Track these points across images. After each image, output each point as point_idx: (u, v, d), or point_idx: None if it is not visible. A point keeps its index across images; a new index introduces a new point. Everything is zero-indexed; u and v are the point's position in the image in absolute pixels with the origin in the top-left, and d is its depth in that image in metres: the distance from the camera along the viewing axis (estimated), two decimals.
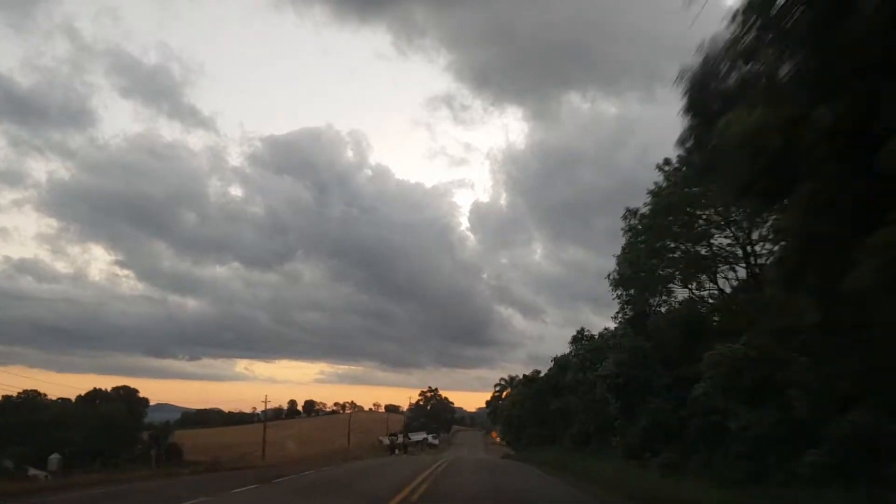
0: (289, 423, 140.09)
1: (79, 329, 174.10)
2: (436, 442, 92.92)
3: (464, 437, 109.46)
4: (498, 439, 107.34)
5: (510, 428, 68.38)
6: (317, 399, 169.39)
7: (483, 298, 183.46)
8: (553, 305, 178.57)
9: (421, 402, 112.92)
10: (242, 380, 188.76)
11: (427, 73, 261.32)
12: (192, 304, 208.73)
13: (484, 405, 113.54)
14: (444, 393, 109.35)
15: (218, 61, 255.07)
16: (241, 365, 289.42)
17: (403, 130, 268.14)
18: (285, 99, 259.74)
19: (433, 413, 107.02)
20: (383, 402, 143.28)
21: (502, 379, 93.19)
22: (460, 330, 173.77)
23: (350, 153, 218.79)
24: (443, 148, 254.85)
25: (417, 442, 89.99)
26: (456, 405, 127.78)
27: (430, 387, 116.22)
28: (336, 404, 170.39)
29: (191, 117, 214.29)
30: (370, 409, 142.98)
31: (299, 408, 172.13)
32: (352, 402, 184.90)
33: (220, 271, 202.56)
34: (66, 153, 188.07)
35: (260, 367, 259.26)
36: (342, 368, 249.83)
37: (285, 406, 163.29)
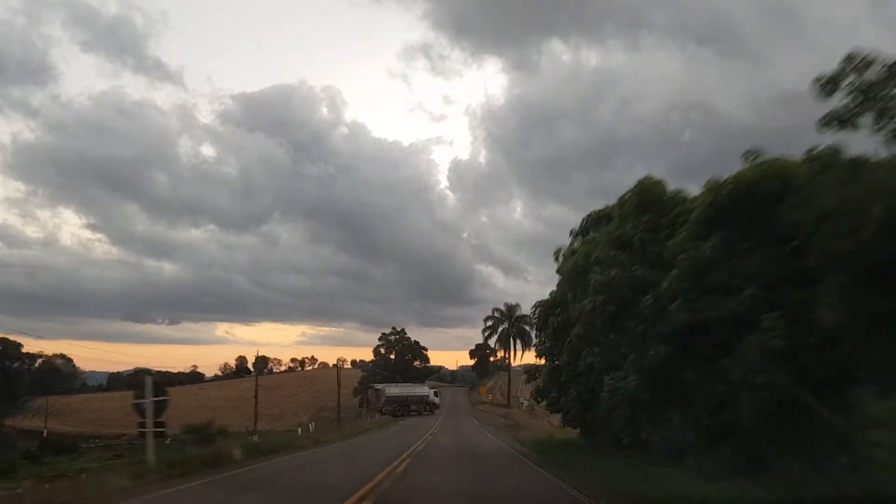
0: (228, 384, 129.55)
1: (54, 295, 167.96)
2: (436, 400, 71.78)
3: (443, 396, 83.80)
4: (489, 396, 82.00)
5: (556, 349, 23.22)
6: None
7: (463, 258, 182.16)
8: (534, 264, 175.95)
9: (382, 350, 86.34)
10: (223, 343, 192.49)
11: (403, 21, 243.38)
12: (168, 268, 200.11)
13: (469, 360, 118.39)
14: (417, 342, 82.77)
15: (182, 10, 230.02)
16: (222, 328, 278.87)
17: (379, 84, 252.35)
18: (255, 53, 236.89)
19: (399, 364, 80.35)
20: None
21: (495, 310, 67.92)
22: (441, 290, 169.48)
23: (325, 110, 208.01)
24: (420, 104, 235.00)
25: (408, 399, 68.74)
26: (438, 364, 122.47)
27: (393, 327, 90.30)
28: (293, 360, 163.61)
29: (157, 70, 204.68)
30: (334, 366, 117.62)
31: (250, 366, 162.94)
32: (311, 356, 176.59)
33: (196, 234, 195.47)
34: (28, 111, 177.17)
35: (241, 330, 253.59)
36: (324, 330, 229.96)
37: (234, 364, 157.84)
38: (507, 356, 70.49)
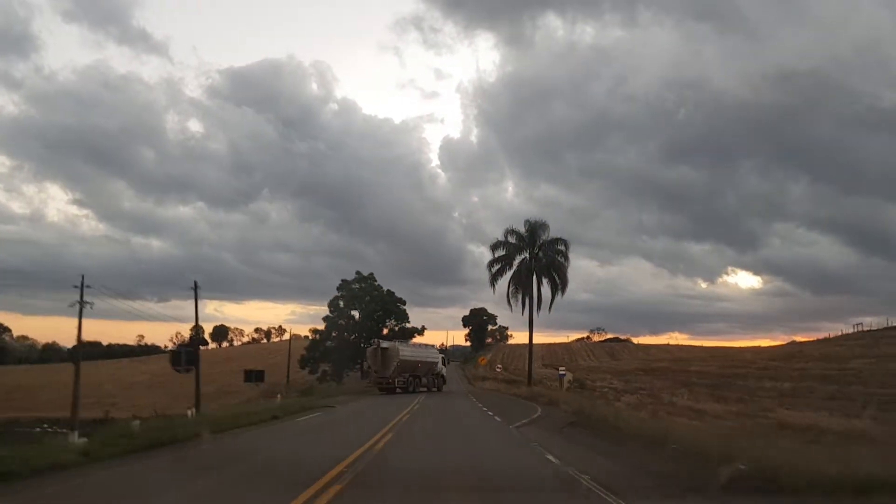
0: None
1: (41, 271, 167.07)
2: (444, 371, 52.58)
3: None
4: (498, 367, 56.69)
5: None
6: None
7: (455, 237, 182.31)
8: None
9: (342, 303, 60.57)
10: (213, 321, 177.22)
11: None
12: (157, 244, 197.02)
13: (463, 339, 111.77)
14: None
15: None
16: (211, 306, 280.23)
17: (370, 59, 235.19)
18: (242, 26, 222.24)
19: (365, 325, 55.45)
20: None
21: (510, 232, 42.29)
22: (432, 269, 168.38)
23: (314, 86, 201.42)
24: (412, 80, 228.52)
25: (418, 367, 46.98)
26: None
27: (358, 272, 64.36)
28: (258, 331, 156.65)
29: (142, 42, 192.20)
30: (305, 337, 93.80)
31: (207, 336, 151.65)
32: (279, 326, 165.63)
33: (184, 211, 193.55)
34: (11, 83, 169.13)
35: (230, 308, 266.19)
36: (313, 308, 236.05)
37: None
38: (527, 304, 44.47)
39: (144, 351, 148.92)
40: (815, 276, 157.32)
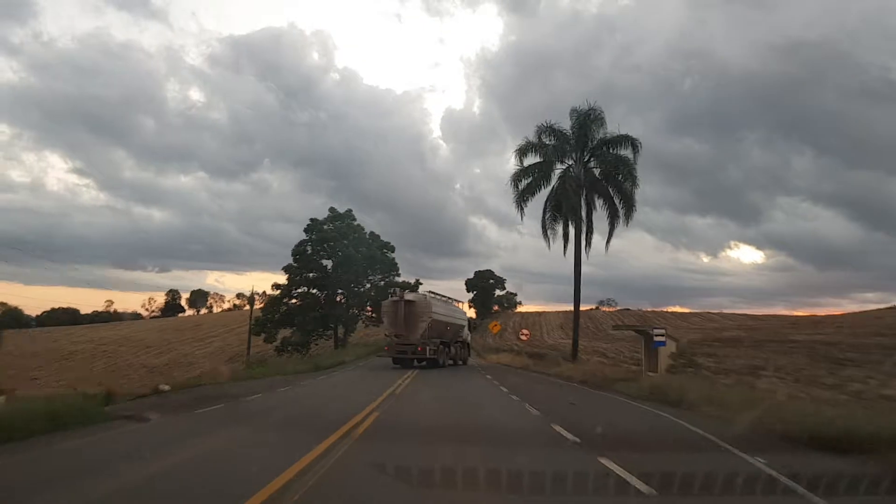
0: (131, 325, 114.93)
1: (42, 241, 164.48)
2: (468, 335, 39.31)
3: None
4: (522, 336, 42.04)
5: None
6: None
7: (456, 209, 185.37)
8: (528, 217, 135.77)
9: (310, 249, 45.09)
10: (214, 291, 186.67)
11: None
12: (157, 215, 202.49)
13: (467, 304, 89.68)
14: None
15: None
16: (212, 277, 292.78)
17: (372, 28, 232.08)
18: None
19: (339, 280, 40.19)
20: None
21: (545, 128, 24.55)
22: (433, 241, 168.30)
23: (315, 55, 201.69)
24: (414, 49, 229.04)
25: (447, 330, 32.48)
26: None
27: (331, 209, 48.89)
28: (240, 296, 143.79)
29: (141, 7, 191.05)
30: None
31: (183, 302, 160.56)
32: (263, 292, 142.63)
33: (185, 181, 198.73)
34: (9, 50, 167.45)
35: (231, 279, 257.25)
36: None
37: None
38: (571, 236, 28.95)
39: (115, 318, 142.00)
40: (818, 251, 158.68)
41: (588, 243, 30.38)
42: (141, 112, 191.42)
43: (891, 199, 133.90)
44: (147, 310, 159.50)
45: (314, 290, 47.90)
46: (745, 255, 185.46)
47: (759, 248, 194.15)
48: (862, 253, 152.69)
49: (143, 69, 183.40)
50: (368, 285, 48.42)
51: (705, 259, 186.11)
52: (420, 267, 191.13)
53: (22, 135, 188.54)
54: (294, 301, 47.31)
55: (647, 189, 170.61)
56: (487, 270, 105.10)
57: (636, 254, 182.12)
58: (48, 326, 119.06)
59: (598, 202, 30.43)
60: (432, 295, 31.97)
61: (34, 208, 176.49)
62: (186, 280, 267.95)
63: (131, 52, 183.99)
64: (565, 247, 30.66)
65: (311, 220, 49.06)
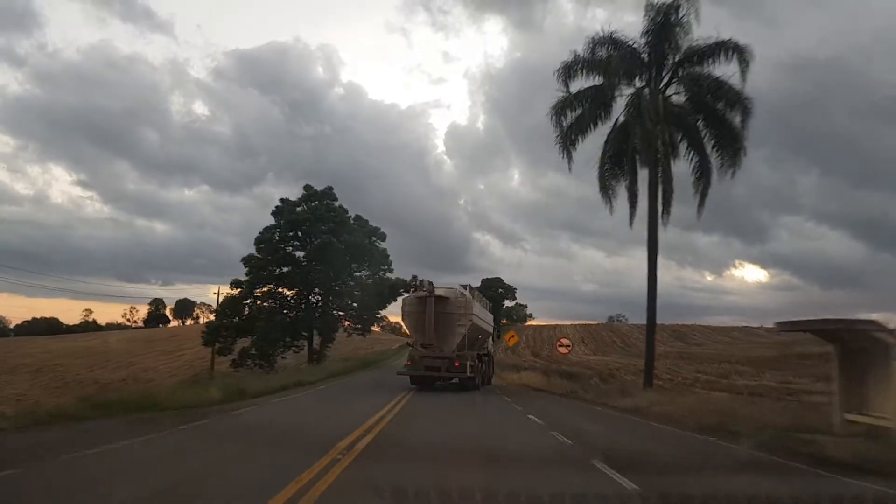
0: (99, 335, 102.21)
1: (45, 253, 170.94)
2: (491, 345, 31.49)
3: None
4: (562, 349, 31.32)
5: None
6: None
7: (460, 225, 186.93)
8: (531, 233, 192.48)
9: (277, 237, 34.89)
10: (202, 302, 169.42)
11: None
12: (160, 227, 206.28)
13: None
14: None
15: None
16: (214, 290, 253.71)
17: (377, 43, 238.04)
18: (247, 5, 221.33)
19: (316, 276, 32.41)
20: None
21: (602, 40, 13.63)
22: (437, 257, 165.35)
23: (320, 70, 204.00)
24: (419, 64, 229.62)
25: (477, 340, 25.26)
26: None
27: (307, 186, 38.55)
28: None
29: (146, 20, 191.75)
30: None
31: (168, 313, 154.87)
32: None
33: (189, 194, 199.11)
34: (14, 61, 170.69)
35: None
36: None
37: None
38: (639, 194, 18.75)
39: (93, 328, 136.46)
40: (822, 271, 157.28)
41: (667, 206, 20.17)
42: (145, 124, 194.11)
43: None
44: (129, 320, 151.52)
45: (283, 289, 37.83)
46: (750, 274, 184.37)
47: (763, 266, 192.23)
48: (867, 273, 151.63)
49: (147, 81, 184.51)
50: (353, 282, 38.40)
51: (710, 277, 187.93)
52: None
53: (27, 147, 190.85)
54: (257, 302, 37.17)
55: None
56: (496, 278, 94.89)
57: (642, 271, 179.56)
58: (25, 336, 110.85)
59: (682, 146, 20.34)
60: (471, 289, 24.58)
61: (38, 220, 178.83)
62: (190, 294, 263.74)
63: (136, 65, 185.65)
64: (632, 212, 20.51)
65: (282, 200, 39.12)
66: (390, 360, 54.66)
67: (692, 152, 20.24)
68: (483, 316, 26.21)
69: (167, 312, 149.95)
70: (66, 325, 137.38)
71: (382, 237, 39.74)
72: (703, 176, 19.62)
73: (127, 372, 69.95)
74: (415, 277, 23.36)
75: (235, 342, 36.97)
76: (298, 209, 37.88)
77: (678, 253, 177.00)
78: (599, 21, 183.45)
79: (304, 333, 37.57)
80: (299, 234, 37.47)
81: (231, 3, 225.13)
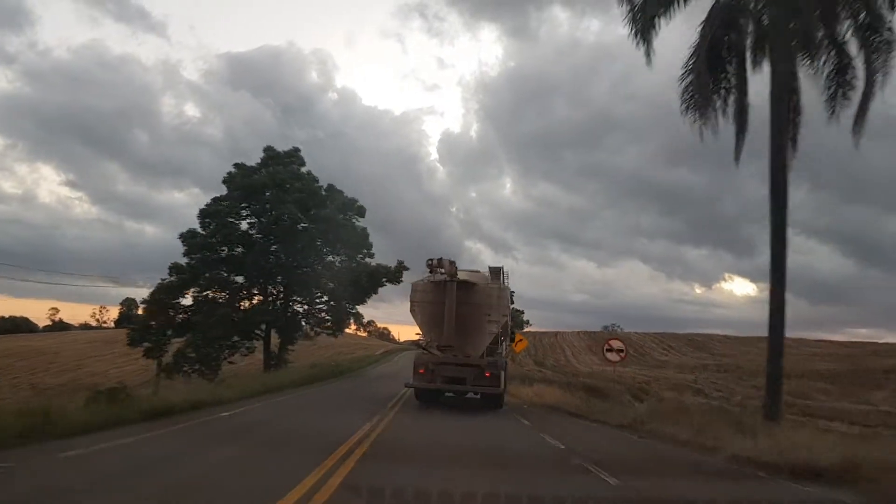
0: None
1: (33, 253, 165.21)
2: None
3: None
4: (619, 356, 21.93)
5: None
6: None
7: (452, 232, 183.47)
8: (522, 242, 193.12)
9: (226, 204, 27.01)
10: None
11: None
12: (150, 230, 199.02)
13: None
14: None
15: None
16: None
17: (372, 48, 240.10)
18: (241, 9, 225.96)
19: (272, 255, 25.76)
20: None
21: None
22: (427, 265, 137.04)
23: (314, 74, 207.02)
24: (413, 70, 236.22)
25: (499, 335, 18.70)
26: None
27: (268, 147, 30.46)
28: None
29: (140, 20, 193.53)
30: None
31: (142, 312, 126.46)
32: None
33: (179, 197, 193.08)
34: (4, 58, 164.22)
35: None
36: None
37: None
38: (744, 108, 11.31)
39: (59, 328, 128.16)
40: (811, 286, 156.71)
41: (794, 126, 12.65)
42: (135, 125, 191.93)
43: (886, 235, 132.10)
44: (98, 321, 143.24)
45: (232, 276, 30.05)
46: (738, 287, 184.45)
47: (752, 280, 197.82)
48: (856, 289, 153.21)
49: (139, 82, 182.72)
50: (322, 268, 30.56)
51: (699, 290, 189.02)
52: None
53: (16, 145, 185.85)
54: (204, 293, 29.31)
55: (642, 218, 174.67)
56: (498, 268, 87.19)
57: (631, 283, 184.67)
58: None
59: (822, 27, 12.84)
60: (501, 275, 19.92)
61: (26, 220, 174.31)
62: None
63: (128, 65, 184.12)
64: (740, 138, 12.93)
65: (236, 165, 31.33)
66: (372, 367, 46.77)
67: (829, 42, 12.74)
68: (510, 311, 20.99)
69: (141, 312, 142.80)
70: (39, 326, 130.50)
71: (360, 212, 31.65)
72: (870, 74, 12.05)
73: (71, 376, 62.14)
74: (437, 262, 17.28)
75: (169, 342, 29.11)
76: (255, 176, 30.07)
77: (667, 266, 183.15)
78: (593, 32, 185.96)
79: (258, 332, 29.75)
80: (255, 205, 29.64)
81: (225, 5, 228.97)
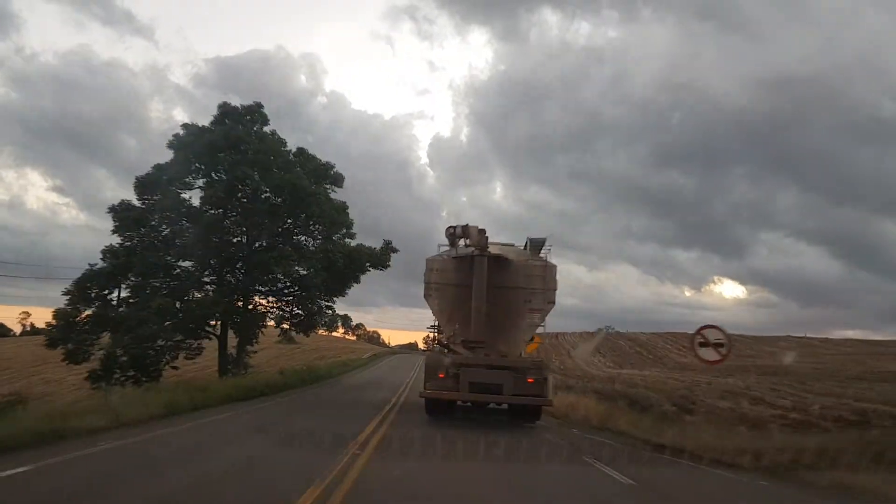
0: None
1: (20, 259, 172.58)
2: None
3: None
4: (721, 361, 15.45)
5: None
6: None
7: (442, 237, 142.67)
8: None
9: (167, 176, 21.08)
10: None
11: None
12: None
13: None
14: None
15: None
16: None
17: (361, 52, 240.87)
18: (229, 13, 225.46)
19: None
20: None
21: None
22: (418, 270, 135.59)
23: (303, 78, 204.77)
24: (403, 75, 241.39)
25: None
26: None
27: (224, 103, 24.89)
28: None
29: (127, 24, 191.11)
30: None
31: None
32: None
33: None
34: None
35: None
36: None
37: None
38: None
39: (33, 332, 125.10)
40: (800, 287, 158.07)
41: None
42: (123, 131, 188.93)
43: (873, 238, 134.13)
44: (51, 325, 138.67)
45: (179, 261, 24.25)
46: (728, 290, 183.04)
47: (742, 282, 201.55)
48: (845, 291, 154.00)
49: (126, 87, 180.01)
50: (289, 249, 24.33)
51: (688, 293, 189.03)
52: (407, 296, 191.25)
53: (2, 151, 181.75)
54: (137, 281, 23.36)
55: (632, 222, 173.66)
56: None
57: (621, 286, 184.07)
58: None
59: None
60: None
61: (13, 226, 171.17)
62: None
63: (115, 70, 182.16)
64: None
65: (185, 126, 25.43)
66: (354, 373, 40.74)
67: None
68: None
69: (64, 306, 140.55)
70: (16, 332, 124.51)
71: (337, 180, 25.68)
72: None
73: (21, 384, 56.02)
74: (461, 230, 14.35)
75: (97, 341, 23.20)
76: (207, 136, 24.05)
77: (657, 269, 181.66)
78: (583, 35, 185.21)
79: (208, 330, 23.88)
80: (207, 170, 23.75)
81: (214, 10, 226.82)
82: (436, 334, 17.00)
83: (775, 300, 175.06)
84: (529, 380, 13.03)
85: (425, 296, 14.85)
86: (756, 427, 15.64)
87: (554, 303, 14.61)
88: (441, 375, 13.33)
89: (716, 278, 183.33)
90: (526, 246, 15.58)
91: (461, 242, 14.55)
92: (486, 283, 13.77)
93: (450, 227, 14.44)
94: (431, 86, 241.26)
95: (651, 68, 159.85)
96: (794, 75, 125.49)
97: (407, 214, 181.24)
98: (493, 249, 14.35)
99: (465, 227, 14.05)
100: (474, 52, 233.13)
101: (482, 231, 14.21)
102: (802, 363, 39.32)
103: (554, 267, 14.85)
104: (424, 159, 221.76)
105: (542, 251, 15.22)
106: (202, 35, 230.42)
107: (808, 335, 72.24)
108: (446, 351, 14.44)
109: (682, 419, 19.26)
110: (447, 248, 14.93)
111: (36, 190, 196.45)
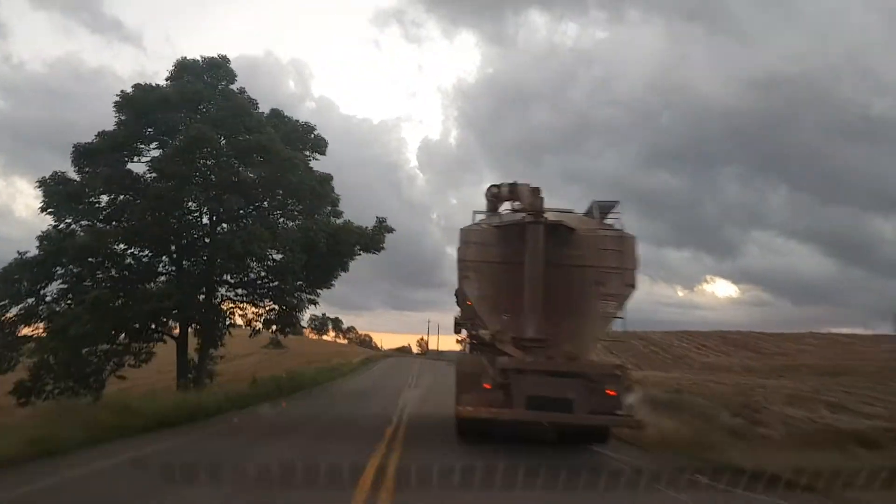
0: None
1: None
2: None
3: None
4: None
5: None
6: None
7: (433, 240, 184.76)
8: None
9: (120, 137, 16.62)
10: None
11: None
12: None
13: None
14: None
15: None
16: None
17: (349, 54, 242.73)
18: (218, 19, 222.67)
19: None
20: None
21: None
22: (410, 272, 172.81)
23: (291, 84, 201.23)
24: (392, 78, 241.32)
25: None
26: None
27: (182, 58, 20.43)
28: None
29: (115, 31, 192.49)
30: None
31: None
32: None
33: None
34: None
35: None
36: None
37: None
38: None
39: None
40: (793, 286, 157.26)
41: None
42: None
43: (865, 235, 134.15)
44: None
45: (126, 247, 20.09)
46: (721, 289, 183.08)
47: (734, 282, 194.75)
48: (838, 289, 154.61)
49: (115, 93, 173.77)
50: (262, 229, 20.00)
51: (681, 293, 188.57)
52: (398, 298, 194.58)
53: None
54: (74, 270, 19.02)
55: (623, 222, 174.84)
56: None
57: None
58: None
59: None
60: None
61: (3, 235, 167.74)
62: None
63: (103, 77, 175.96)
64: None
65: (135, 86, 21.15)
66: (344, 379, 36.16)
67: None
68: None
69: None
70: None
71: (319, 146, 21.30)
72: None
73: None
74: (508, 188, 11.20)
75: (25, 345, 18.87)
76: (166, 89, 19.79)
77: (649, 268, 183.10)
78: (571, 37, 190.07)
79: (160, 330, 19.58)
80: (156, 133, 19.46)
81: (202, 16, 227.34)
82: (467, 331, 12.90)
83: (768, 298, 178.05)
84: (610, 392, 9.31)
85: (460, 278, 10.98)
86: (864, 445, 11.73)
87: (634, 286, 10.82)
88: (487, 386, 9.71)
89: (708, 278, 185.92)
90: (590, 212, 11.62)
91: (505, 207, 11.09)
92: (544, 260, 10.22)
93: (492, 185, 11.17)
94: (420, 89, 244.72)
95: (640, 69, 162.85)
96: (783, 75, 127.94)
97: (397, 217, 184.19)
98: (549, 216, 10.66)
99: (514, 186, 10.59)
100: (462, 55, 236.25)
101: (536, 189, 10.41)
102: (850, 361, 35.31)
103: (633, 238, 10.93)
104: (414, 162, 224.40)
105: (610, 219, 11.34)
106: (190, 41, 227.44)
107: (831, 331, 68.63)
108: (491, 351, 10.47)
109: (755, 433, 15.24)
110: (484, 216, 11.34)
111: (25, 198, 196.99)
